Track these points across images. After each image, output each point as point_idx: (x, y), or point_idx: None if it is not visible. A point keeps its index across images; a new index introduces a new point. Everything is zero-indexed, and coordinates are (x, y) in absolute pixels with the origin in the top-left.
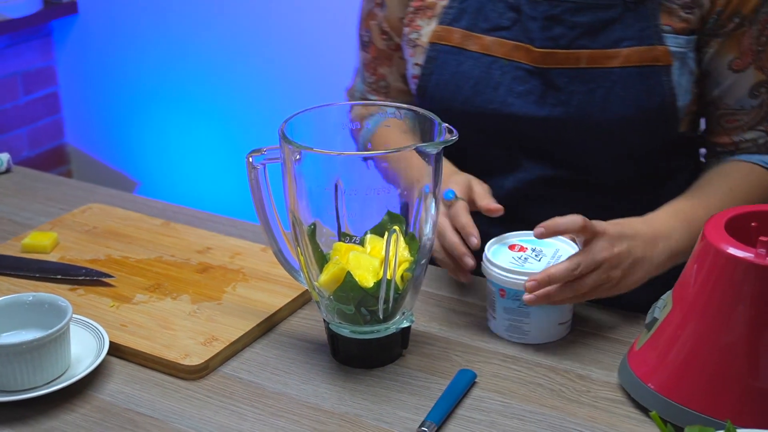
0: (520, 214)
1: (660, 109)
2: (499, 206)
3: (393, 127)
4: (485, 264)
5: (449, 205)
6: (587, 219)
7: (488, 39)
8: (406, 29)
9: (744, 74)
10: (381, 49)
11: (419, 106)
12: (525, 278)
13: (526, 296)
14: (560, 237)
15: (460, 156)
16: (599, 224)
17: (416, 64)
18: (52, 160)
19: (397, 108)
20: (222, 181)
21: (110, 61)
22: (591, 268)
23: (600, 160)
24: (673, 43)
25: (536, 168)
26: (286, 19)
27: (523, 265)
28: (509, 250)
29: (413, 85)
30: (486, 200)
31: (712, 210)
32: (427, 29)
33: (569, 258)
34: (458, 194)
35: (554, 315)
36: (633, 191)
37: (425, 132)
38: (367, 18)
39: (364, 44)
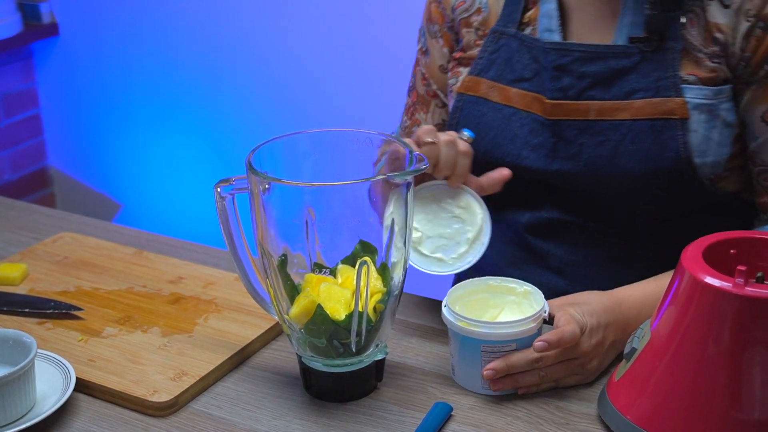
0: (535, 248)
1: (674, 165)
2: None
3: None
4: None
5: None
6: (578, 323)
7: (512, 91)
8: (449, 74)
9: None
10: (421, 94)
11: None
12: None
13: (486, 373)
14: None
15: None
16: (583, 319)
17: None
18: (35, 183)
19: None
20: (206, 202)
21: (92, 83)
22: (564, 357)
23: (618, 214)
24: (697, 95)
25: (554, 211)
26: (271, 41)
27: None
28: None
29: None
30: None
31: None
32: (462, 77)
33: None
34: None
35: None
36: (662, 248)
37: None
38: (415, 64)
39: (409, 89)
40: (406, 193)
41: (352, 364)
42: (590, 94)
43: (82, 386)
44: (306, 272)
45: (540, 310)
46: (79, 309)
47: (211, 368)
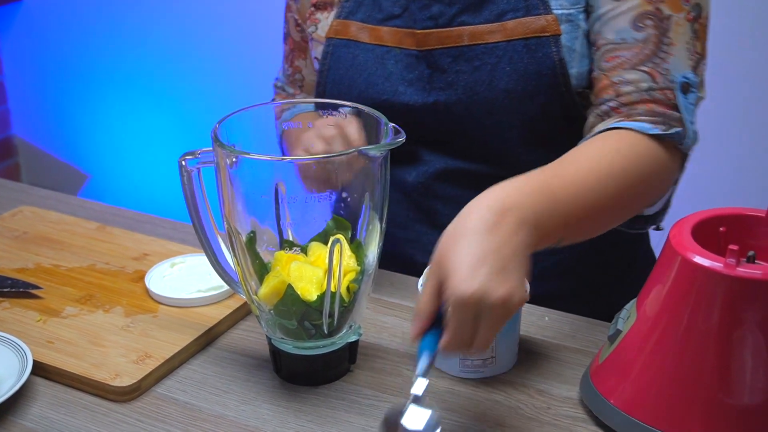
0: (425, 209)
1: (551, 81)
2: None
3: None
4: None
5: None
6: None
7: (383, 30)
8: (307, 23)
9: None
10: (296, 41)
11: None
12: None
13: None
14: None
15: None
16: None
17: (315, 59)
18: None
19: (349, 108)
20: (176, 173)
21: (58, 49)
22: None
23: (501, 148)
24: (557, 5)
25: (438, 160)
26: (239, 7)
27: None
28: None
29: (317, 79)
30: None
31: (570, 182)
32: (324, 23)
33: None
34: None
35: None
36: None
37: (370, 133)
38: (286, 10)
39: (285, 36)
40: (382, 167)
41: (324, 347)
42: (461, 19)
43: (40, 369)
44: (276, 250)
45: None
46: (38, 288)
47: (176, 350)
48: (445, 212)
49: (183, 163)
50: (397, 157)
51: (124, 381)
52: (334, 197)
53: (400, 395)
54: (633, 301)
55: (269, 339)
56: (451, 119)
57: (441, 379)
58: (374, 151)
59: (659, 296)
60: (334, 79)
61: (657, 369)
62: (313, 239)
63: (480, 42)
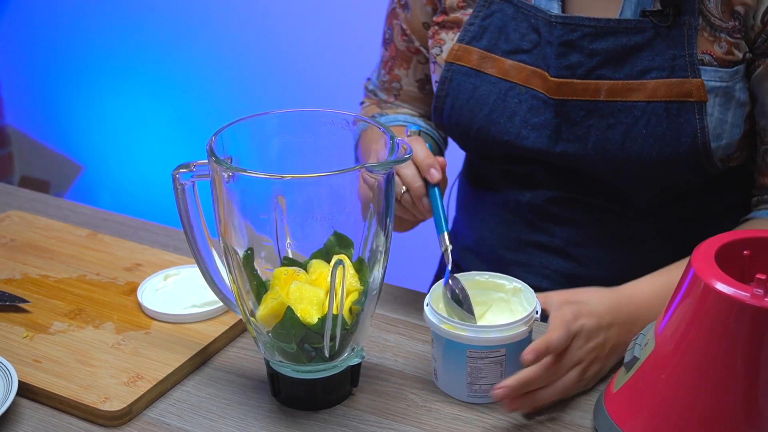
0: (537, 229)
1: (690, 150)
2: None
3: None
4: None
5: (409, 136)
6: (567, 326)
7: (507, 63)
8: (430, 41)
9: None
10: (400, 49)
11: (436, 123)
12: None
13: (498, 393)
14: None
15: (478, 165)
16: (575, 322)
17: (436, 82)
18: None
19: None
20: (171, 165)
21: (52, 38)
22: (567, 367)
23: (625, 193)
24: (713, 77)
25: (556, 190)
26: None
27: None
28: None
29: (433, 103)
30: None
31: None
32: (448, 45)
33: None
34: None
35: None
36: (670, 224)
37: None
38: (391, 15)
39: (385, 41)
40: (387, 183)
41: (324, 370)
42: (600, 72)
43: (26, 390)
44: (275, 267)
45: (531, 312)
46: (25, 301)
47: (170, 371)
48: (562, 234)
49: (177, 176)
50: (513, 179)
51: (114, 405)
52: (336, 212)
53: (403, 420)
54: (650, 326)
55: (267, 361)
56: (577, 168)
57: (448, 404)
58: (379, 169)
59: (680, 324)
60: (453, 107)
61: (676, 401)
62: (313, 255)
63: (618, 99)
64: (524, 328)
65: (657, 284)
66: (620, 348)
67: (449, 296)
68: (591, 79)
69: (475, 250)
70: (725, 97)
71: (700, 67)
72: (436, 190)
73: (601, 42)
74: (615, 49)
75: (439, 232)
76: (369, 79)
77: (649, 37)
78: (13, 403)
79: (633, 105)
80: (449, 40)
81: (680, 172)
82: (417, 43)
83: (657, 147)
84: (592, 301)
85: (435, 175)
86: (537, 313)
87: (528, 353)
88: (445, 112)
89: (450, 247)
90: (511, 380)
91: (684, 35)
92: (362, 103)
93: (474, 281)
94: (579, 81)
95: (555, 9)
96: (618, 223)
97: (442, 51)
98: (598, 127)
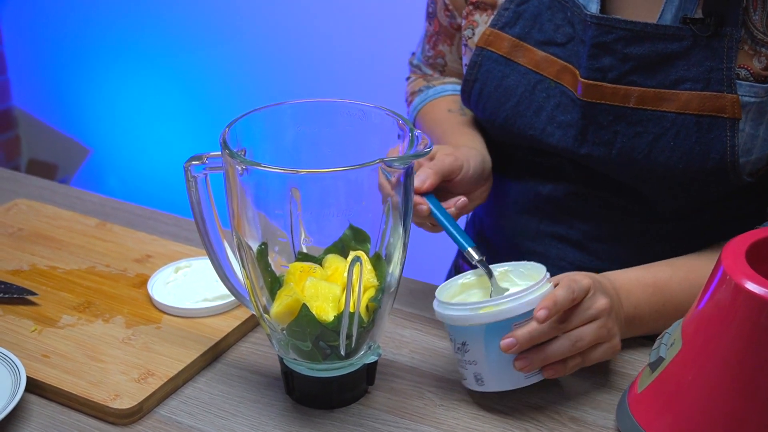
0: (555, 221)
1: (718, 166)
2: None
3: (441, 102)
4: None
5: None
6: (577, 281)
7: (539, 54)
8: (464, 22)
9: None
10: (443, 25)
11: (465, 105)
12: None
13: (506, 343)
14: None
15: (503, 151)
16: (583, 280)
17: (466, 65)
18: None
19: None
20: (180, 148)
21: (60, 19)
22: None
23: (647, 198)
24: (748, 92)
25: (578, 185)
26: None
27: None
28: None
29: (462, 85)
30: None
31: (688, 290)
32: (480, 28)
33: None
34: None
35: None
36: (689, 227)
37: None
38: None
39: (429, 15)
40: (406, 177)
41: (340, 368)
42: (631, 78)
43: (34, 386)
44: (289, 262)
45: (543, 270)
46: (33, 293)
47: (181, 367)
48: (581, 228)
49: (189, 168)
50: (535, 170)
51: (125, 402)
52: (352, 205)
53: (420, 420)
54: (676, 325)
55: (281, 358)
56: (601, 170)
57: (467, 403)
58: (397, 163)
59: (708, 323)
60: (481, 94)
61: (704, 404)
62: (328, 249)
63: (648, 107)
64: (549, 285)
65: (639, 274)
66: (618, 319)
67: (487, 274)
68: (622, 84)
69: (490, 240)
70: (758, 112)
71: (738, 82)
72: (441, 217)
73: (636, 47)
74: (649, 56)
75: (464, 250)
76: (413, 53)
77: (687, 46)
78: (21, 399)
79: (662, 115)
80: (482, 23)
81: (705, 185)
82: (459, 19)
83: (684, 160)
84: (596, 275)
85: (421, 210)
86: (547, 271)
87: (539, 309)
88: (473, 97)
89: (483, 258)
90: (519, 331)
91: (724, 47)
92: (408, 78)
93: (479, 279)
94: (609, 85)
95: (593, 7)
96: (637, 223)
97: (474, 34)
98: (624, 133)
